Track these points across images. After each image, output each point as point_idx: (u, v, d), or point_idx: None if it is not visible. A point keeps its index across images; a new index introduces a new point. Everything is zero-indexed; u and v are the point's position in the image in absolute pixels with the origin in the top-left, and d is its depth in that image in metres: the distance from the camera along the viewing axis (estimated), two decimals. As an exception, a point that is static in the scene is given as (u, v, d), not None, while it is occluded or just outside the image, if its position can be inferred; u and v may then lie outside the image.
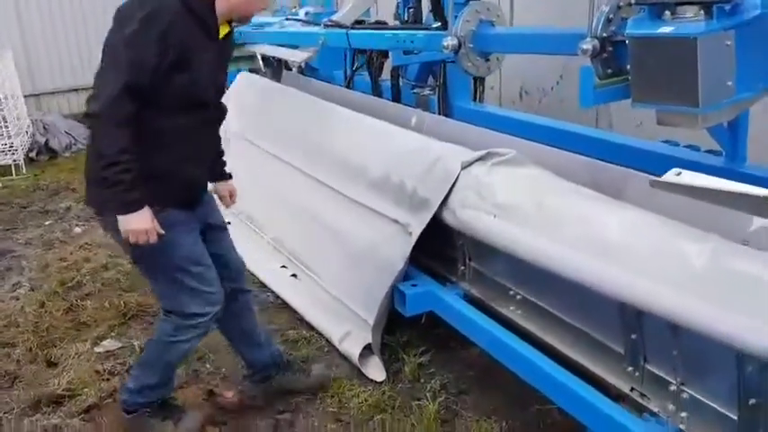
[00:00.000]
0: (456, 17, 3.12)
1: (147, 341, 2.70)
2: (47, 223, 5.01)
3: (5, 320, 3.56)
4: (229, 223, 4.52)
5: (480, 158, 2.72)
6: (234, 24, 2.49)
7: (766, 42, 1.90)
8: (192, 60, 2.25)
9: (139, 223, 2.21)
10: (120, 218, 2.21)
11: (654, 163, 2.50)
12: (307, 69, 5.31)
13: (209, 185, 2.68)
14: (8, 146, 6.43)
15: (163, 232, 2.27)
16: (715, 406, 1.88)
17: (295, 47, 4.56)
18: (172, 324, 2.48)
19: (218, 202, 2.74)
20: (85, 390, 2.90)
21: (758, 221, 1.96)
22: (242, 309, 2.75)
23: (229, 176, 2.81)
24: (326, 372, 2.97)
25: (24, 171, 6.45)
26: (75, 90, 8.11)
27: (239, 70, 5.64)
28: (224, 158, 2.77)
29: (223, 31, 2.40)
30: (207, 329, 2.54)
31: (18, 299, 3.83)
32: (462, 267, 2.95)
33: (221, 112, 2.55)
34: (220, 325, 2.72)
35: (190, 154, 2.40)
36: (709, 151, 2.60)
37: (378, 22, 4.46)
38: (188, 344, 2.52)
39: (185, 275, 2.41)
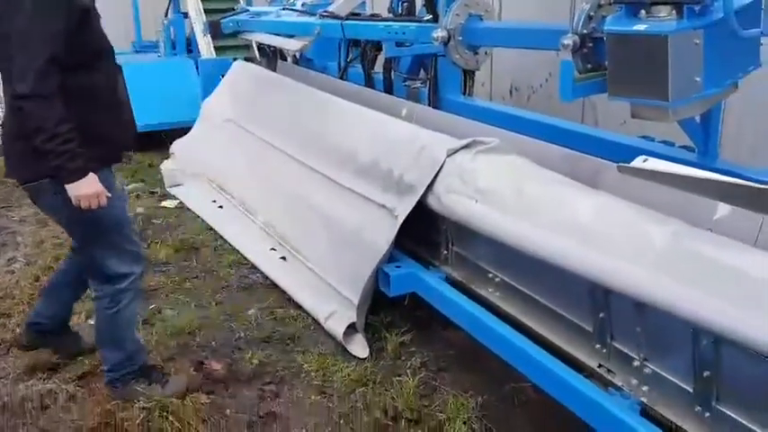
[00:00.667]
0: (446, 10, 3.23)
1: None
2: (41, 202, 5.08)
3: (1, 293, 3.64)
4: (221, 207, 4.69)
5: (465, 146, 2.82)
6: None
7: (730, 42, 2.03)
8: (90, 11, 2.36)
9: (89, 188, 2.30)
10: (70, 186, 2.28)
11: (629, 155, 2.60)
12: (302, 60, 5.42)
13: None
14: (4, 126, 6.50)
15: (110, 194, 2.37)
16: (673, 379, 2.01)
17: (291, 36, 4.66)
18: (107, 297, 2.58)
19: None
20: (80, 358, 2.99)
21: (723, 207, 2.09)
22: None
23: None
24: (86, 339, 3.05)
25: (19, 152, 6.50)
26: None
27: (235, 59, 5.76)
28: None
29: None
30: (139, 287, 2.64)
31: (13, 272, 3.92)
32: (445, 252, 3.07)
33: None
34: (66, 268, 2.84)
35: (123, 113, 2.53)
36: (683, 147, 2.73)
37: (373, 15, 4.57)
38: (129, 308, 2.62)
39: (118, 236, 2.52)
